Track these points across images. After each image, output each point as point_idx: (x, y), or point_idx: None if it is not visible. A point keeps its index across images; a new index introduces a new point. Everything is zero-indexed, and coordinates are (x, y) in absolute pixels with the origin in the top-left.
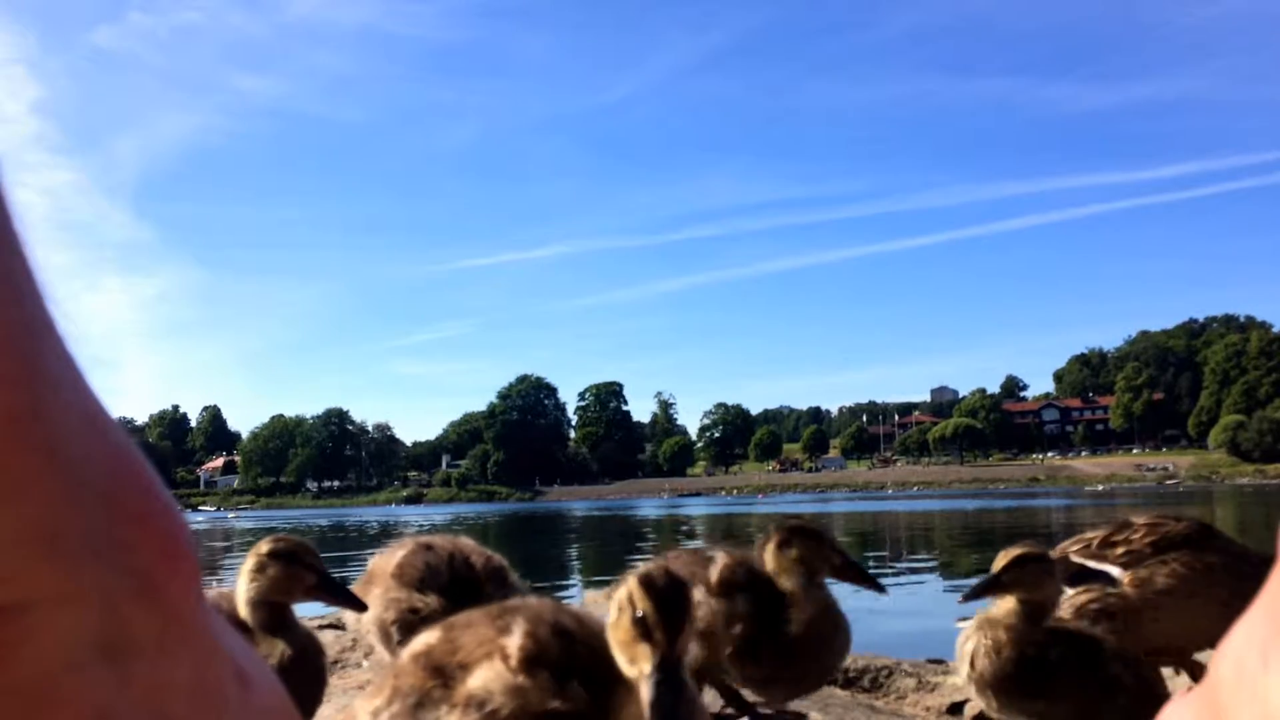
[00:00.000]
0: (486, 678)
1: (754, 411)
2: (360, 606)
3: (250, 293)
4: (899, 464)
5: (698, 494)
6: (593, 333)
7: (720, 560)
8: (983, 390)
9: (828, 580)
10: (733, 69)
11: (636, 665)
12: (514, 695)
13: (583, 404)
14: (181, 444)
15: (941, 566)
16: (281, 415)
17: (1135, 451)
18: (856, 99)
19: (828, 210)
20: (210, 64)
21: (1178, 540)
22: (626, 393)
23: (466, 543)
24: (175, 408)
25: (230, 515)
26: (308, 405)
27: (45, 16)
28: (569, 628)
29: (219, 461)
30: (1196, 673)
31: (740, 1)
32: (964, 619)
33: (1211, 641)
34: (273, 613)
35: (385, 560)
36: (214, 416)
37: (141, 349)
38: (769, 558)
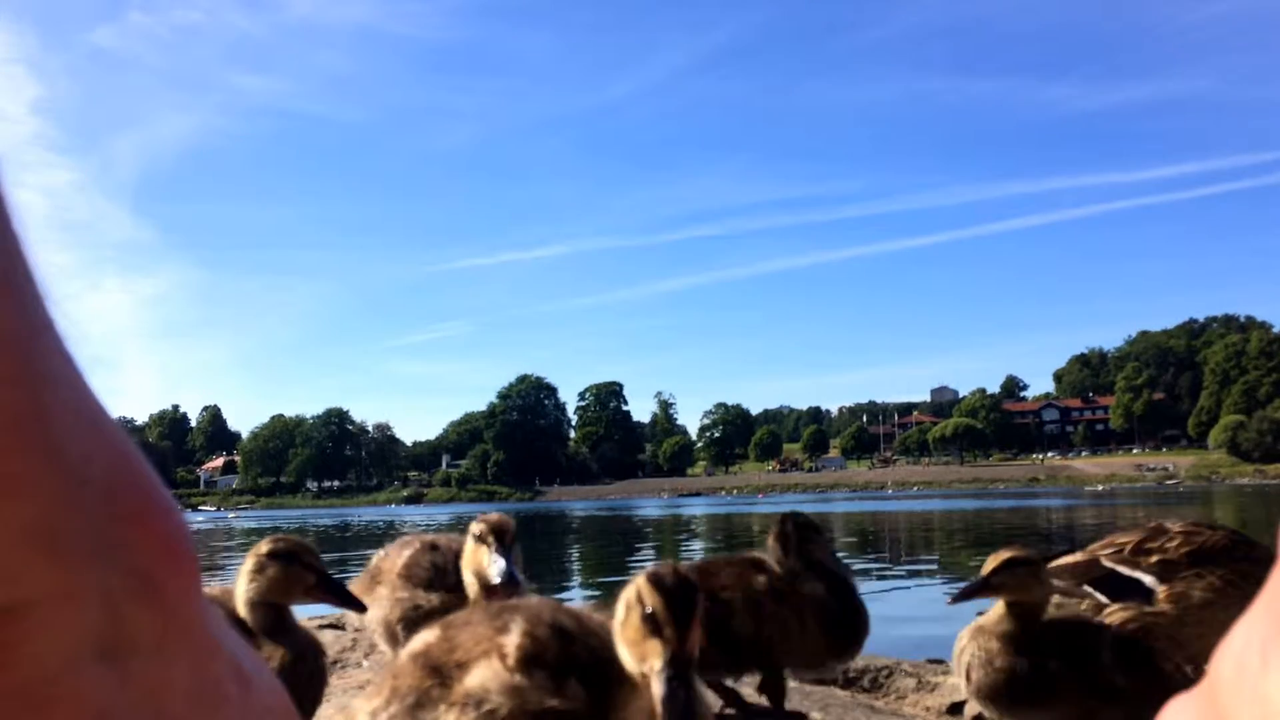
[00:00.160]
0: (484, 677)
1: (754, 411)
2: (360, 607)
3: (250, 293)
4: (899, 464)
5: (698, 494)
6: (593, 333)
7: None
8: (983, 390)
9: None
10: (733, 69)
11: (647, 662)
12: (511, 694)
13: (583, 404)
14: (181, 444)
15: (942, 567)
16: (281, 415)
17: (1135, 451)
18: (856, 99)
19: (828, 210)
20: (210, 64)
21: (1214, 551)
22: (626, 393)
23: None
24: (175, 408)
25: (230, 515)
26: (308, 405)
27: (45, 16)
28: (568, 627)
29: (219, 461)
30: None
31: (740, 1)
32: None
33: None
34: (273, 613)
35: (391, 560)
36: (214, 416)
37: (141, 349)
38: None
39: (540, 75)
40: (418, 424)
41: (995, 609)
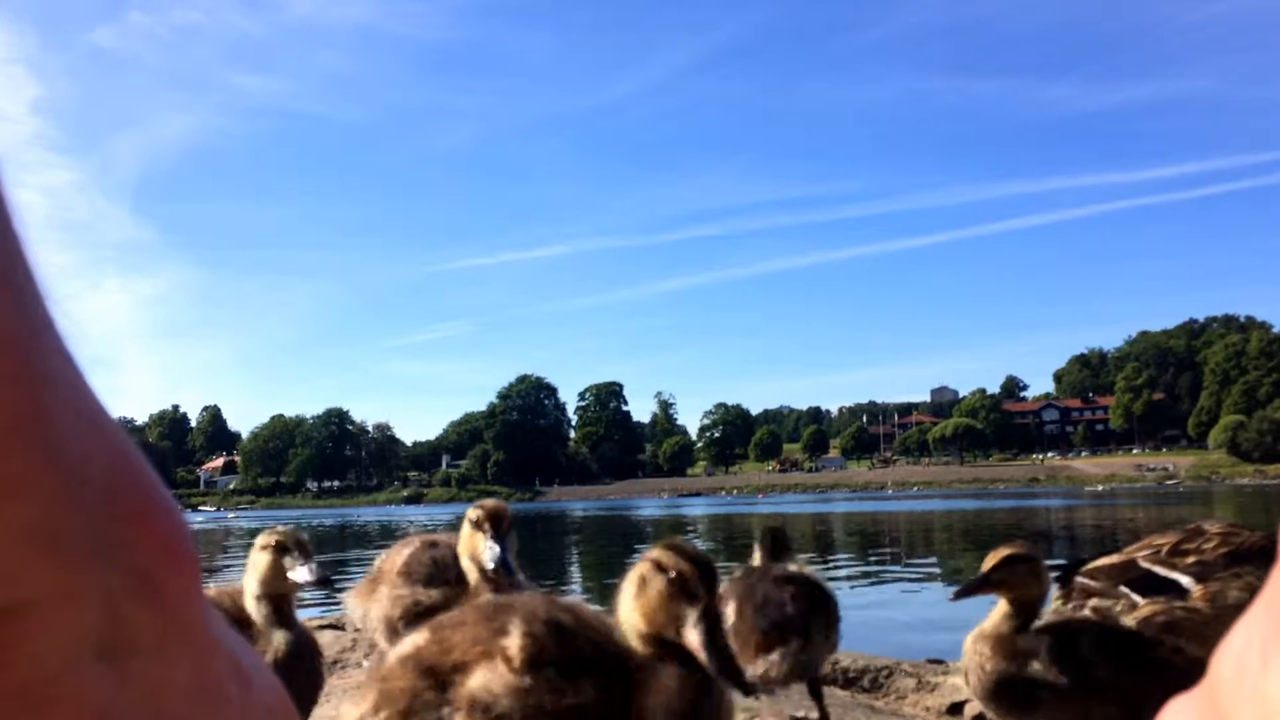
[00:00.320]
0: (488, 679)
1: (754, 411)
2: (328, 583)
3: (250, 293)
4: (899, 464)
5: (698, 494)
6: (593, 333)
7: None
8: (983, 390)
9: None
10: (733, 69)
11: (679, 622)
12: (520, 697)
13: (583, 404)
14: (181, 444)
15: (942, 567)
16: (281, 415)
17: (1135, 452)
18: (856, 99)
19: (828, 210)
20: (210, 64)
21: (1251, 552)
22: (626, 393)
23: None
24: (175, 408)
25: (230, 515)
26: (308, 405)
27: (45, 16)
28: (565, 623)
29: (219, 461)
30: None
31: (740, 1)
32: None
33: None
34: (275, 606)
35: (391, 560)
36: (214, 416)
37: (141, 349)
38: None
39: (540, 75)
40: (418, 424)
41: (996, 610)
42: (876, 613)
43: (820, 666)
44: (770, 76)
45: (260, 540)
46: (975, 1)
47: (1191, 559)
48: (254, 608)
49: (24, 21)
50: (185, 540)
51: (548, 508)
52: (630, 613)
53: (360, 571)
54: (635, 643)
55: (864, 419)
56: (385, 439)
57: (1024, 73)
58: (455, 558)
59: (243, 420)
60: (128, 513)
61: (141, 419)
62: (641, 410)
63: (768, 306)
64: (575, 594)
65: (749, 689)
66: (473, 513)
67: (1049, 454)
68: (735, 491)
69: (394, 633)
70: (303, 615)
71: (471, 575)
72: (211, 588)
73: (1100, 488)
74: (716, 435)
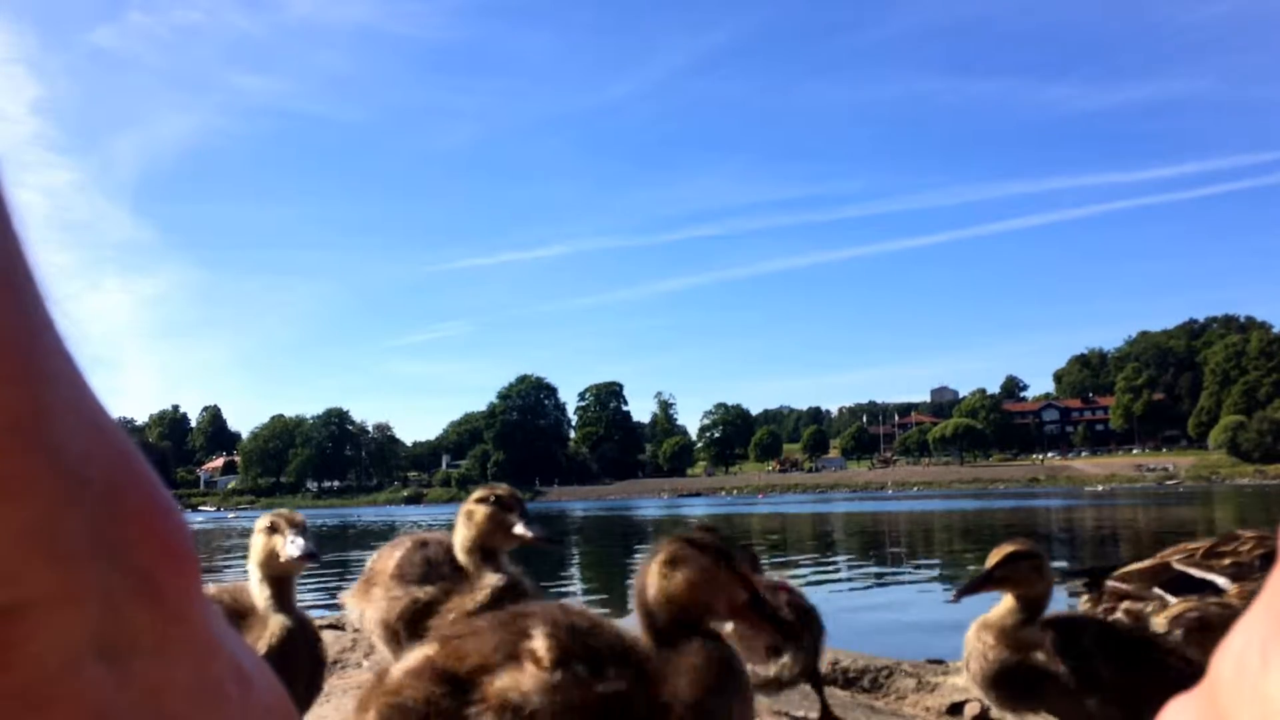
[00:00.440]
0: (518, 679)
1: (754, 411)
2: (314, 558)
3: (250, 293)
4: (899, 464)
5: (698, 494)
6: (593, 333)
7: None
8: (983, 390)
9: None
10: (733, 69)
11: (728, 600)
12: (551, 693)
13: (583, 404)
14: (181, 444)
15: (942, 567)
16: (281, 415)
17: (1135, 452)
18: (856, 99)
19: (827, 210)
20: (210, 64)
21: None
22: (626, 393)
23: None
24: (175, 408)
25: (230, 515)
26: (308, 405)
27: (45, 16)
28: (583, 624)
29: (219, 461)
30: None
31: (740, 1)
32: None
33: None
34: (276, 589)
35: (383, 561)
36: (214, 416)
37: (141, 349)
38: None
39: (540, 75)
40: (418, 424)
41: (1002, 603)
42: (876, 613)
43: (819, 665)
44: (770, 76)
45: (258, 523)
46: (975, 1)
47: (1228, 561)
48: (256, 591)
49: (24, 21)
50: (185, 540)
51: (548, 508)
52: (667, 593)
53: (360, 571)
54: (646, 635)
55: (864, 419)
56: (385, 439)
57: (1024, 73)
58: (447, 554)
59: (243, 420)
60: (128, 513)
61: (141, 419)
62: (641, 410)
63: (768, 306)
64: (576, 593)
65: (797, 635)
66: (483, 492)
67: (1049, 454)
68: (735, 492)
69: (392, 635)
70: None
71: (469, 565)
72: (211, 586)
73: (1100, 488)
74: (716, 435)
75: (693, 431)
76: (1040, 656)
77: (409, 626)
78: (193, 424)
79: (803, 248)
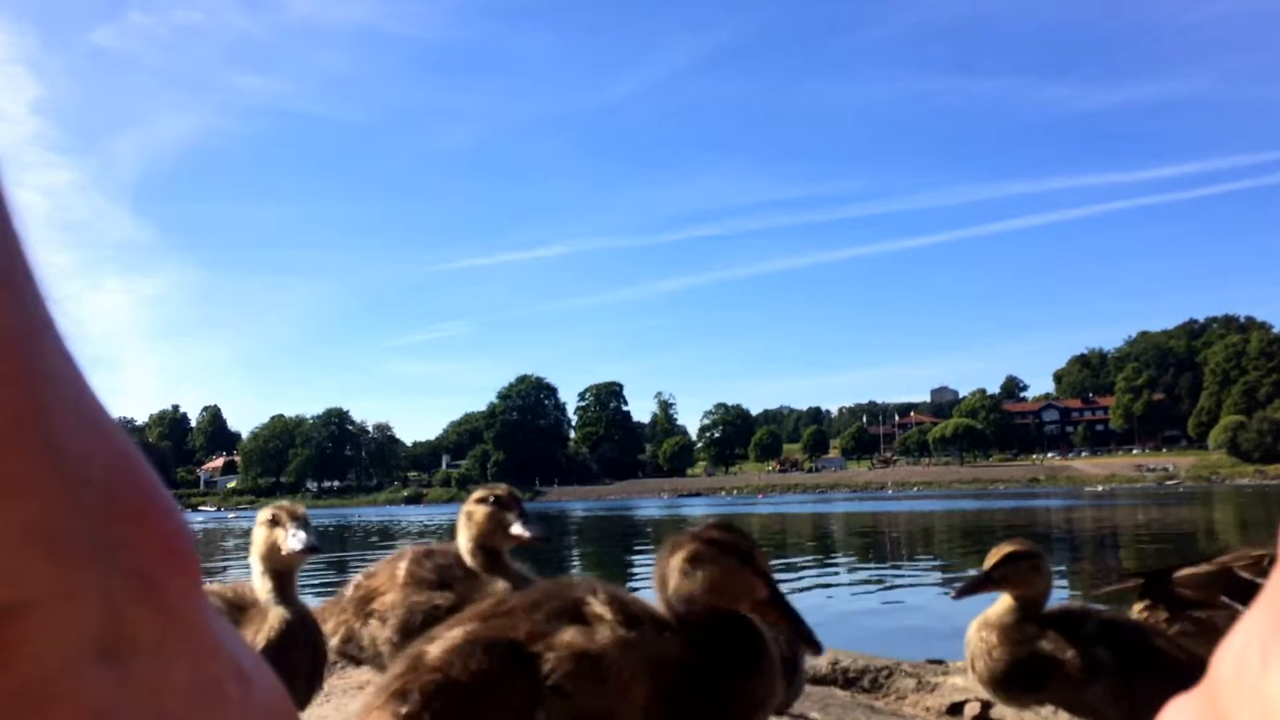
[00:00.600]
0: (587, 634)
1: (754, 411)
2: (315, 550)
3: (250, 293)
4: (899, 464)
5: (698, 494)
6: (593, 333)
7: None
8: (983, 390)
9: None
10: (733, 69)
11: (750, 597)
12: (627, 649)
13: (583, 404)
14: (181, 444)
15: (942, 567)
16: (281, 415)
17: (1135, 452)
18: (856, 99)
19: (827, 210)
20: (210, 64)
21: None
22: (626, 393)
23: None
24: (175, 408)
25: (230, 515)
26: (308, 405)
27: (45, 16)
28: (626, 595)
29: (219, 461)
30: None
31: (740, 1)
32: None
33: None
34: (278, 582)
35: (384, 575)
36: (214, 416)
37: (141, 349)
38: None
39: (540, 75)
40: (418, 424)
41: (1001, 602)
42: (876, 613)
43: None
44: (770, 76)
45: (259, 516)
46: (975, 1)
47: None
48: (258, 584)
49: (24, 21)
50: (185, 540)
51: (548, 508)
52: (688, 590)
53: (360, 571)
54: (670, 617)
55: (864, 419)
56: (385, 439)
57: (1024, 73)
58: (454, 561)
59: (243, 420)
60: (128, 513)
61: (141, 419)
62: (641, 410)
63: (768, 306)
64: None
65: (820, 649)
66: (478, 494)
67: (1049, 454)
68: (735, 492)
69: (408, 634)
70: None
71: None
72: (214, 584)
73: (1100, 488)
74: (716, 435)
75: (693, 431)
76: (1045, 646)
77: (424, 630)
78: (193, 424)
79: (803, 248)
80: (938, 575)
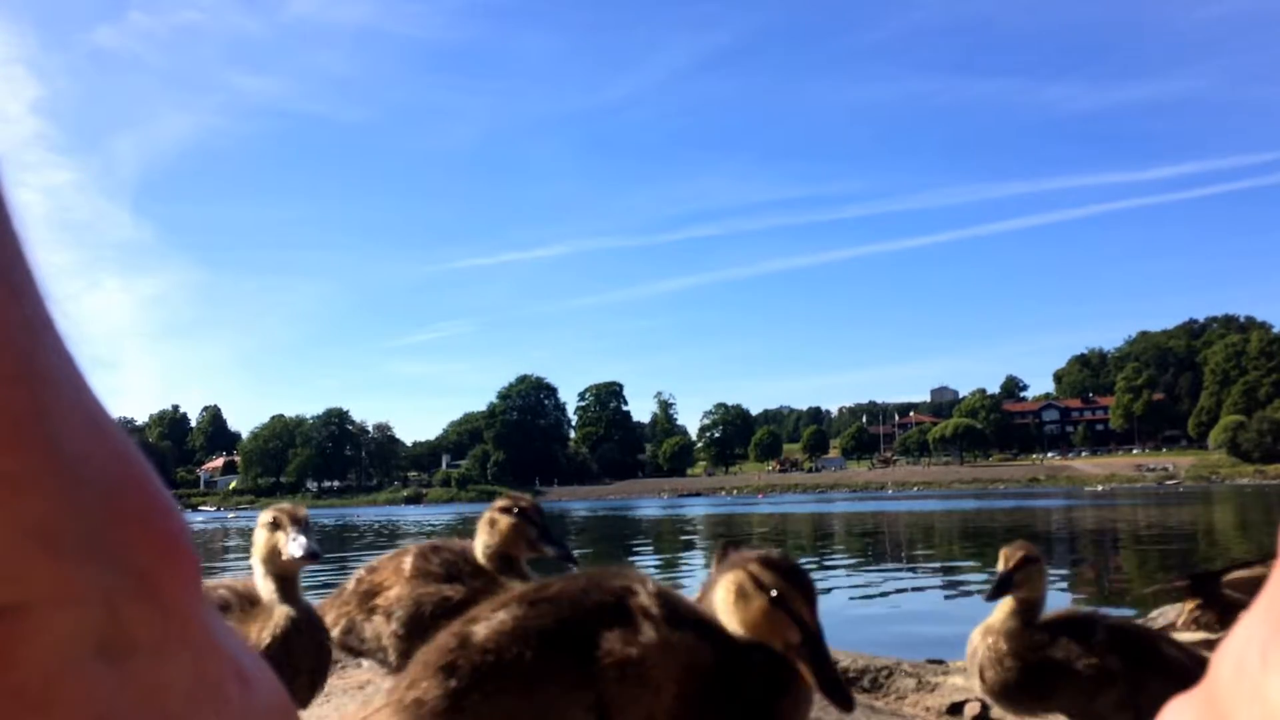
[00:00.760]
0: (631, 635)
1: (754, 411)
2: (316, 557)
3: (250, 293)
4: (899, 464)
5: (698, 494)
6: (593, 333)
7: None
8: (983, 390)
9: None
10: (733, 69)
11: (781, 639)
12: (667, 652)
13: (583, 404)
14: (181, 444)
15: (942, 568)
16: (281, 415)
17: (1135, 452)
18: (856, 99)
19: (828, 210)
20: (210, 64)
21: None
22: (626, 393)
23: (468, 543)
24: (175, 408)
25: (230, 515)
26: (308, 405)
27: (45, 16)
28: (673, 593)
29: (219, 461)
30: None
31: (740, 2)
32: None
33: None
34: (281, 583)
35: (387, 570)
36: (214, 416)
37: (141, 349)
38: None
39: (540, 75)
40: (418, 424)
41: (1002, 606)
42: (876, 613)
43: None
44: (770, 76)
45: (261, 518)
46: (975, 1)
47: None
48: (261, 586)
49: (24, 21)
50: (185, 540)
51: (548, 508)
52: (728, 619)
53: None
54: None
55: (864, 419)
56: (385, 439)
57: (1024, 73)
58: (460, 557)
59: (243, 420)
60: (128, 513)
61: (141, 419)
62: (641, 410)
63: (768, 306)
64: None
65: (851, 706)
66: (504, 502)
67: (1049, 454)
68: (735, 492)
69: (419, 632)
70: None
71: (488, 562)
72: (225, 578)
73: (1100, 488)
74: (716, 435)
75: (693, 431)
76: (1057, 654)
77: (436, 621)
78: (193, 424)
79: (803, 248)
80: (938, 575)
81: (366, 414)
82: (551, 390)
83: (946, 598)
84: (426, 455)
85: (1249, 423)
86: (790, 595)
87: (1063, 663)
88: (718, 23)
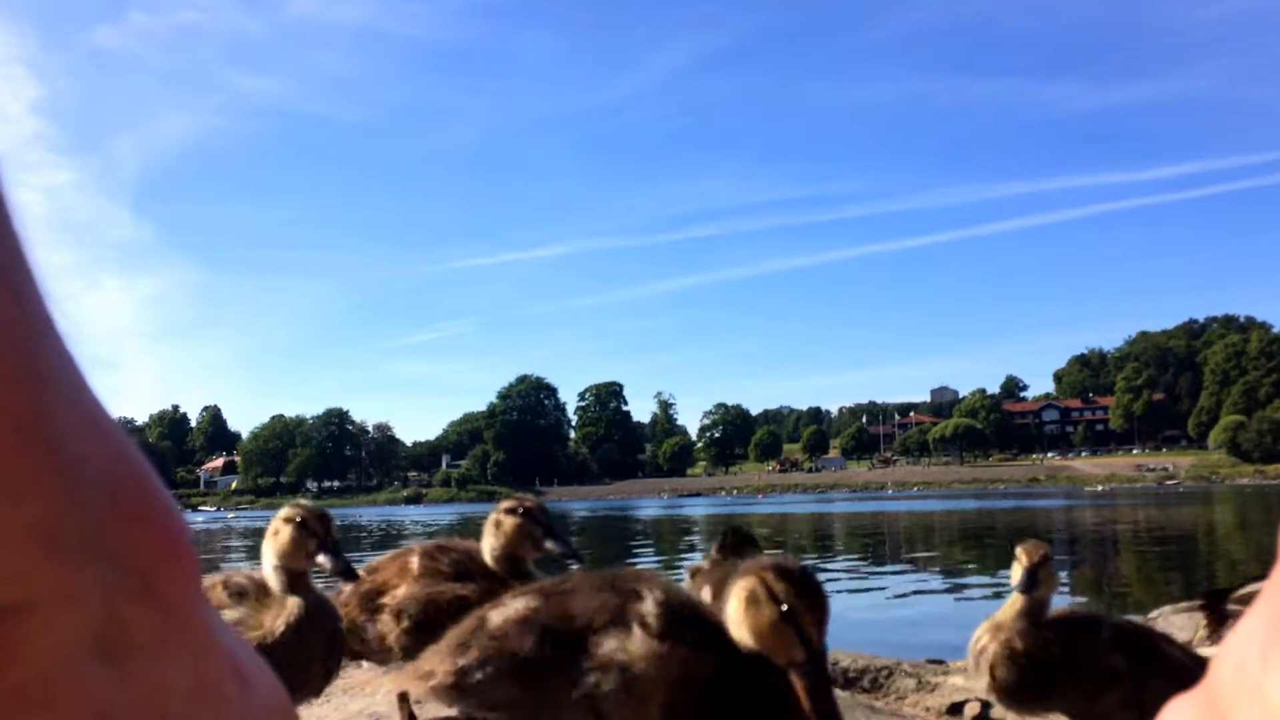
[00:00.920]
0: (624, 642)
1: (754, 411)
2: (352, 576)
3: (250, 293)
4: (899, 464)
5: (698, 494)
6: (593, 333)
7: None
8: (983, 390)
9: None
10: (733, 69)
11: (786, 657)
12: (656, 663)
13: (583, 404)
14: (181, 444)
15: (942, 568)
16: (281, 415)
17: (1135, 452)
18: (856, 99)
19: (827, 210)
20: (210, 64)
21: None
22: (626, 393)
23: (472, 543)
24: (175, 408)
25: (230, 515)
26: (308, 405)
27: (45, 16)
28: (691, 600)
29: (219, 461)
30: None
31: (740, 2)
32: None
33: None
34: (292, 576)
35: (392, 569)
36: (214, 416)
37: (141, 349)
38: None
39: (540, 75)
40: (418, 424)
41: (1011, 604)
42: (876, 613)
43: None
44: (770, 76)
45: (284, 512)
46: (975, 1)
47: None
48: (272, 577)
49: (24, 21)
50: (185, 541)
51: (548, 508)
52: (737, 630)
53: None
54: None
55: (864, 419)
56: (385, 439)
57: (1024, 73)
58: (468, 557)
59: (243, 420)
60: (128, 513)
61: (141, 419)
62: (641, 410)
63: (768, 306)
64: None
65: None
66: (509, 504)
67: (1049, 454)
68: (735, 492)
69: (427, 628)
70: None
71: (498, 564)
72: (242, 570)
73: (1100, 488)
74: (716, 435)
75: (693, 431)
76: (1066, 652)
77: (450, 619)
78: (193, 424)
79: (803, 248)
80: (938, 576)
81: (366, 414)
82: (551, 390)
83: (946, 598)
84: (426, 455)
85: (1249, 423)
86: (800, 611)
87: (1072, 661)
88: (718, 23)
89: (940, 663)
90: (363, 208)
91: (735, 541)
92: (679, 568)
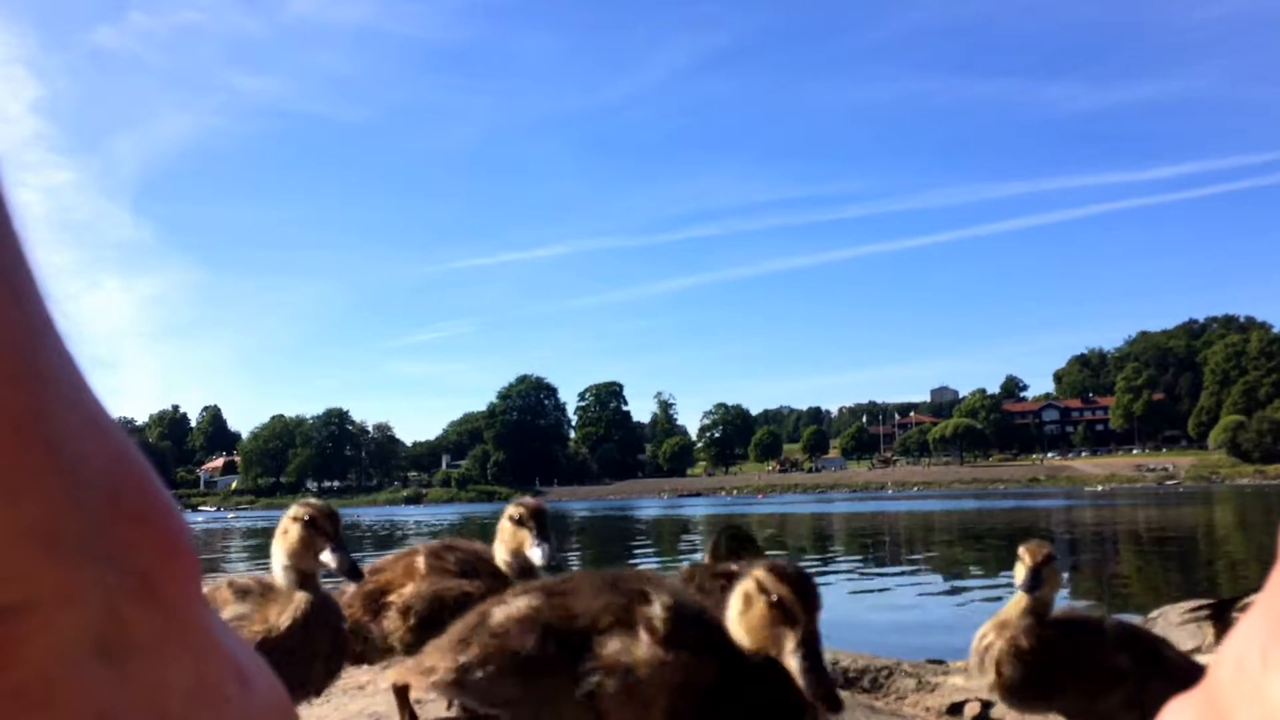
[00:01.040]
0: (628, 645)
1: (754, 411)
2: (358, 575)
3: (250, 293)
4: (899, 464)
5: (698, 494)
6: (593, 333)
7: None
8: (983, 390)
9: None
10: (733, 69)
11: (779, 644)
12: (661, 669)
13: (583, 404)
14: (181, 444)
15: (942, 568)
16: (281, 415)
17: (1135, 452)
18: (856, 99)
19: (828, 210)
20: (210, 64)
21: None
22: (626, 393)
23: (477, 544)
24: (175, 408)
25: (230, 515)
26: (308, 405)
27: (45, 16)
28: (699, 604)
29: (219, 461)
30: None
31: (740, 2)
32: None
33: None
34: (300, 574)
35: (398, 569)
36: (214, 416)
37: (141, 349)
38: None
39: (540, 75)
40: (418, 424)
41: (1015, 603)
42: (876, 613)
43: None
44: (770, 76)
45: (294, 511)
46: (975, 1)
47: None
48: (280, 576)
49: (24, 21)
50: (185, 541)
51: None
52: (735, 629)
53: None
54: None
55: (864, 419)
56: (385, 439)
57: (1024, 73)
58: (473, 556)
59: (243, 420)
60: (128, 513)
61: (141, 419)
62: (641, 410)
63: (768, 306)
64: None
65: (839, 708)
66: (514, 510)
67: (1049, 454)
68: (735, 492)
69: (433, 623)
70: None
71: (509, 568)
72: (246, 573)
73: (1100, 488)
74: (716, 435)
75: (693, 431)
76: (1072, 652)
77: (454, 615)
78: (193, 424)
79: (803, 248)
80: (938, 576)
81: (366, 414)
82: (551, 390)
83: (946, 598)
84: (426, 455)
85: (1249, 423)
86: (789, 599)
87: (1076, 660)
88: (718, 23)
89: (940, 663)
90: (363, 208)
91: (731, 545)
92: (678, 568)
